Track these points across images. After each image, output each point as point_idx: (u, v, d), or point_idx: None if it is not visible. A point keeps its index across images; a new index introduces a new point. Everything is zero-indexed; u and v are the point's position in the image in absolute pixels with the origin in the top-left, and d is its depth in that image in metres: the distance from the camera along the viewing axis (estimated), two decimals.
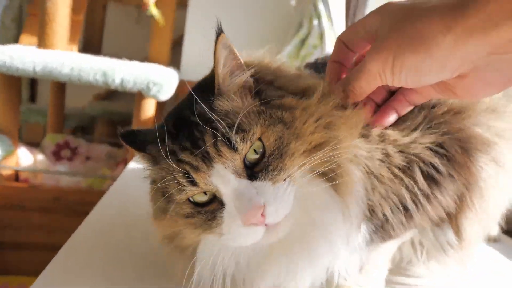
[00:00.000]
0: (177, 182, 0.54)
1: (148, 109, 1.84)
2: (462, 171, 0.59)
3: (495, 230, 1.05)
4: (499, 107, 0.65)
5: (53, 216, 1.84)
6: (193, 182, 0.54)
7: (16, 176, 1.90)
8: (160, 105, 1.91)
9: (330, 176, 0.54)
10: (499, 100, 0.66)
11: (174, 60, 2.30)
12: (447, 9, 0.45)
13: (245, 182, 0.52)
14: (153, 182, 0.62)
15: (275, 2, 2.18)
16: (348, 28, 0.61)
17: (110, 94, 3.07)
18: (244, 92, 0.59)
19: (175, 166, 0.54)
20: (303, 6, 2.03)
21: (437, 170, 0.58)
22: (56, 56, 1.68)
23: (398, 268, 0.73)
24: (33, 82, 3.08)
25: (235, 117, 0.54)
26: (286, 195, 0.53)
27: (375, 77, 0.53)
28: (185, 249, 0.61)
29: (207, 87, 0.58)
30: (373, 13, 0.55)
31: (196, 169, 0.53)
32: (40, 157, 1.99)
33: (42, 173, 1.93)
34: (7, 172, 1.86)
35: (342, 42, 0.61)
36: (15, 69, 1.63)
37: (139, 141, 0.62)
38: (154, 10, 1.99)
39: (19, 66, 1.62)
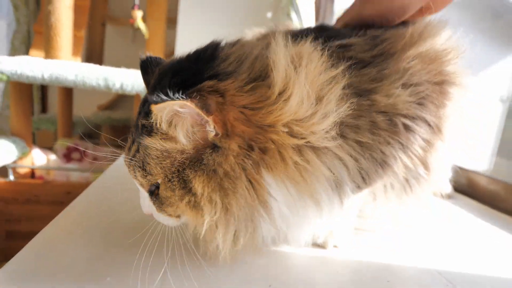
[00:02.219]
0: None
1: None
2: (438, 109, 0.57)
3: (448, 188, 1.06)
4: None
5: (65, 208, 1.80)
6: None
7: (31, 174, 1.88)
8: None
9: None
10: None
11: None
12: None
13: (146, 195, 0.53)
14: None
15: (254, 18, 2.17)
16: None
17: (111, 104, 3.07)
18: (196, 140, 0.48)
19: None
20: (278, 17, 2.04)
21: (418, 119, 0.55)
22: (62, 65, 1.67)
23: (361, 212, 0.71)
24: (43, 96, 3.05)
25: (153, 156, 0.49)
26: (168, 221, 0.54)
27: None
28: None
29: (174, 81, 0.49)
30: None
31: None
32: (53, 157, 1.97)
33: (55, 170, 1.90)
34: (23, 170, 1.84)
35: None
36: (25, 77, 1.60)
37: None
38: (140, 24, 2.04)
39: (29, 74, 1.59)
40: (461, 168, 1.15)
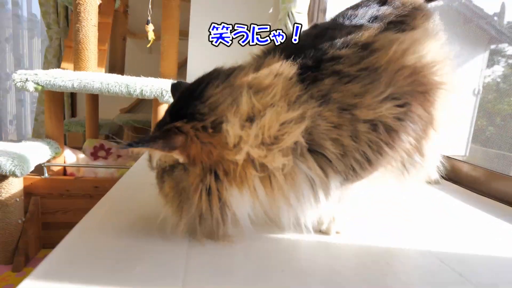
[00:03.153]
0: None
1: (163, 112, 1.81)
2: (424, 111, 0.55)
3: (436, 175, 1.04)
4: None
5: (94, 200, 1.77)
6: None
7: (64, 171, 1.92)
8: None
9: None
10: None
11: (180, 77, 2.30)
12: None
13: None
14: None
15: None
16: None
17: (132, 108, 3.07)
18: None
19: None
20: (276, 28, 2.03)
21: (401, 121, 0.53)
22: (89, 74, 1.71)
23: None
24: (73, 102, 3.07)
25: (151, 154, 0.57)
26: None
27: None
28: None
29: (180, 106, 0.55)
30: None
31: None
32: (82, 156, 1.98)
33: (84, 168, 1.93)
34: (56, 168, 1.88)
35: None
36: (57, 86, 1.65)
37: None
38: (151, 35, 2.14)
39: (60, 84, 1.64)
40: (445, 157, 1.14)
